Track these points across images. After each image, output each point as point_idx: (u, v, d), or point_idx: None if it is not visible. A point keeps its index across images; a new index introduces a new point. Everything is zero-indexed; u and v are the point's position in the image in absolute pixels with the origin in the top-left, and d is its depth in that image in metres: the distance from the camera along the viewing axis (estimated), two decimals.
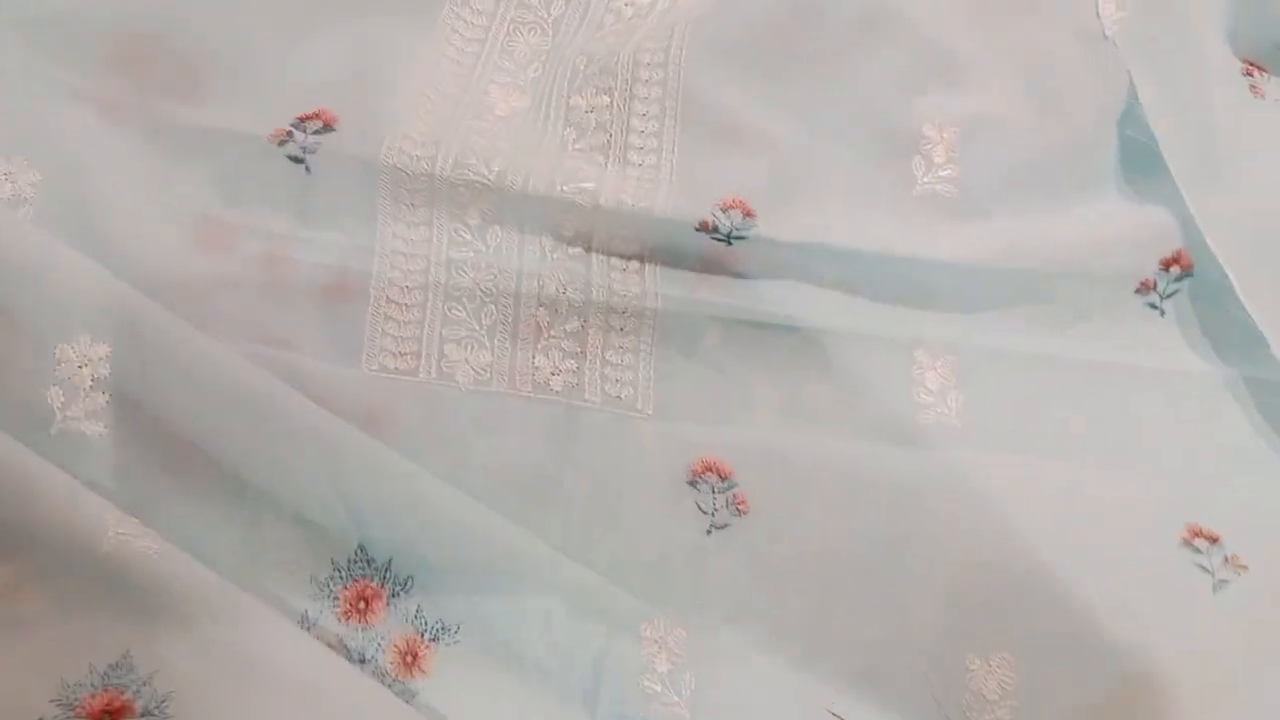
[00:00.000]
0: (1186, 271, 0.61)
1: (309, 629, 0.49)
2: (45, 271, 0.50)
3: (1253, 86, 0.69)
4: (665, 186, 0.56)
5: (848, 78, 0.61)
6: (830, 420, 0.56)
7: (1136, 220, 0.61)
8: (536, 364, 0.55)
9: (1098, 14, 0.64)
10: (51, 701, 0.44)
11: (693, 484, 0.54)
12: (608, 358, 0.55)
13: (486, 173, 0.54)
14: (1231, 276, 0.59)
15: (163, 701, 0.44)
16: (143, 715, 0.44)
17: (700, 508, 0.53)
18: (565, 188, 0.55)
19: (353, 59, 0.58)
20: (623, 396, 0.55)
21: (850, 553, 0.53)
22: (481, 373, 0.54)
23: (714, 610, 0.52)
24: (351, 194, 0.55)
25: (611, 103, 0.58)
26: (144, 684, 0.44)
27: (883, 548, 0.53)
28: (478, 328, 0.55)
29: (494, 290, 0.55)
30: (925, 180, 0.60)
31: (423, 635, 0.50)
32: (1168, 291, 0.62)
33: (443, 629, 0.51)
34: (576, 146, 0.58)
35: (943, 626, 0.53)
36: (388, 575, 0.51)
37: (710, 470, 0.54)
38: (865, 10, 0.62)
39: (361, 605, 0.50)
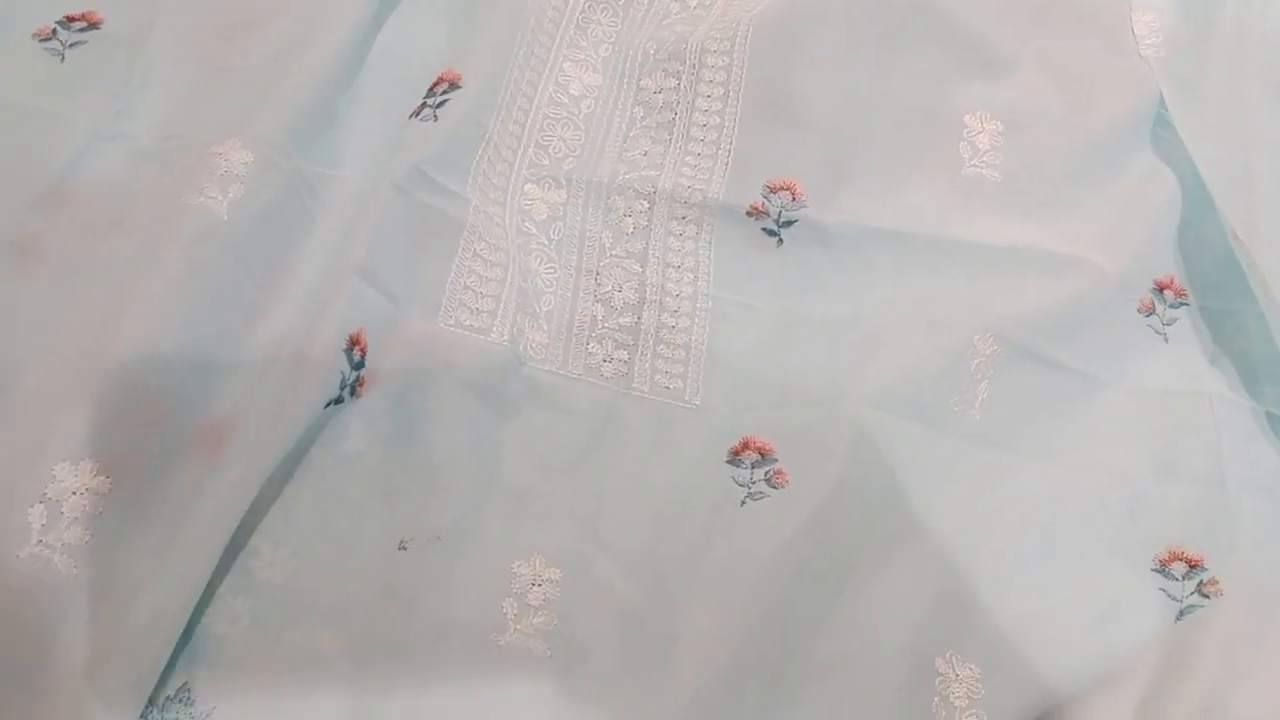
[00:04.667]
0: (1181, 300, 0.63)
1: None
2: None
3: None
4: (720, 169, 0.59)
5: (896, 68, 0.63)
6: (869, 404, 0.56)
7: (1144, 224, 0.63)
8: (590, 350, 0.57)
9: (1132, 31, 0.67)
10: None
11: (732, 462, 0.55)
12: (659, 351, 0.57)
13: (558, 171, 0.59)
14: (1262, 271, 0.60)
15: None
16: None
17: (736, 481, 0.55)
18: (628, 175, 0.58)
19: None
20: (671, 388, 0.57)
21: (861, 537, 0.53)
22: (537, 351, 0.56)
23: (738, 577, 0.52)
24: (463, 149, 0.58)
25: (679, 85, 0.61)
26: None
27: (882, 539, 0.54)
28: (536, 309, 0.57)
29: (554, 283, 0.58)
30: (972, 163, 0.62)
31: None
32: (1168, 319, 0.63)
33: None
34: (643, 123, 0.60)
35: (920, 626, 0.52)
36: None
37: (749, 448, 0.55)
38: (912, 6, 0.64)
39: None
